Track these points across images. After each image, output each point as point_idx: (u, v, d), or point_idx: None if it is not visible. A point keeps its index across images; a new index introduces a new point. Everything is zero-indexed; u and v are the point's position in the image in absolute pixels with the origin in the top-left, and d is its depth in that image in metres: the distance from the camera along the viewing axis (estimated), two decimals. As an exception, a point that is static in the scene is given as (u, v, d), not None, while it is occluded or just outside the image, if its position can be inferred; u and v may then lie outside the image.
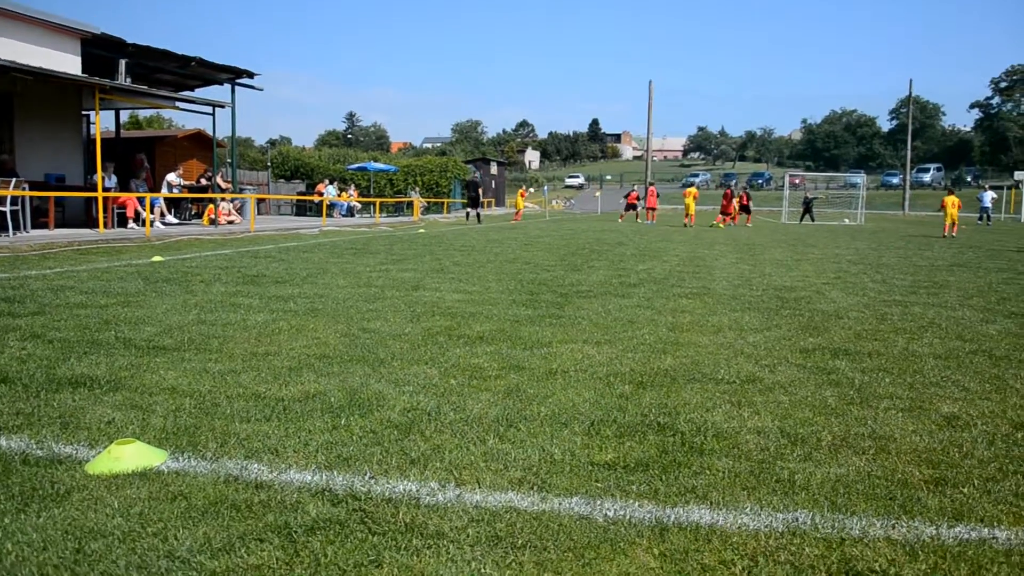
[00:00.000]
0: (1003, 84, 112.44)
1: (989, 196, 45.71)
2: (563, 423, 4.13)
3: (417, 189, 44.33)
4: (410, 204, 40.39)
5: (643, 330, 6.97)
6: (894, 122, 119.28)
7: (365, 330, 6.72)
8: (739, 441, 3.90)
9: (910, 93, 72.49)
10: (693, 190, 37.37)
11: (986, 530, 2.96)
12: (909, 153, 71.10)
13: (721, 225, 35.04)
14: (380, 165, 44.77)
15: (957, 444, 3.94)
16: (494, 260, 13.92)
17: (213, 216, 24.07)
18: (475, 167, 57.16)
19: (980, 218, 45.31)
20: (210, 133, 25.03)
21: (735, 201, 36.51)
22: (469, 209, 34.99)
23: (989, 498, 3.25)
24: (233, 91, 25.42)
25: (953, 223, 28.96)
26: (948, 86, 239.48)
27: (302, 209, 37.59)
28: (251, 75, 25.35)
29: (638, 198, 40.15)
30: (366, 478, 3.33)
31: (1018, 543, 2.86)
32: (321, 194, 35.18)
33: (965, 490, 3.33)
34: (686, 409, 4.44)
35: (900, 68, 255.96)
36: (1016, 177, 60.88)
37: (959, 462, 3.68)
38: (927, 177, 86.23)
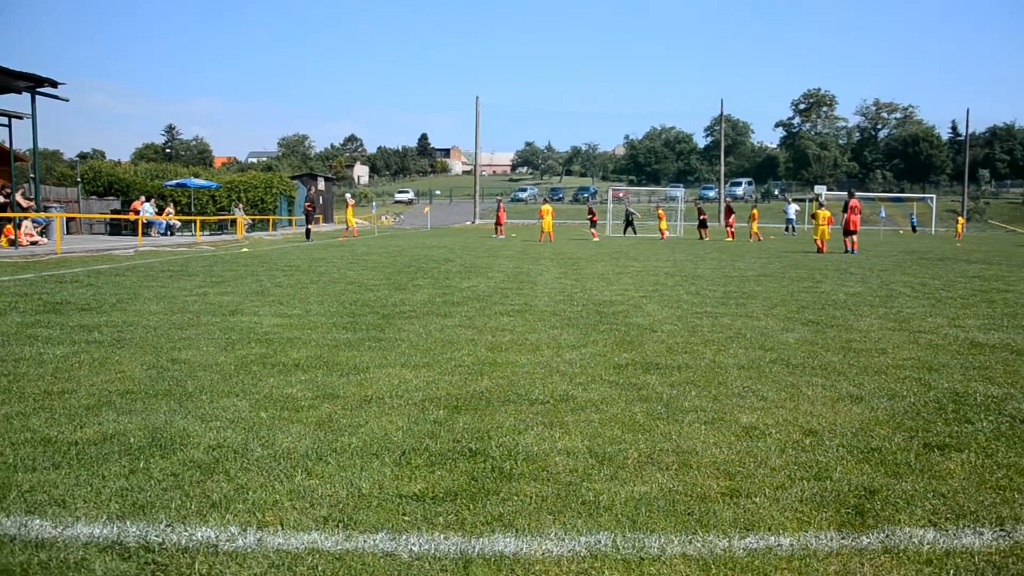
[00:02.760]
0: (802, 106, 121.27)
1: (793, 208, 49.29)
2: (374, 454, 4.07)
3: (241, 206, 42.81)
4: (233, 222, 39.04)
5: (462, 351, 7.00)
6: (709, 139, 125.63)
7: (175, 361, 6.40)
8: (548, 464, 3.97)
9: (721, 112, 76.94)
10: (550, 207, 36.12)
11: (772, 538, 3.14)
12: (723, 168, 75.51)
13: (729, 239, 37.85)
14: (201, 181, 42.85)
15: (752, 454, 4.16)
16: (318, 280, 13.63)
17: (13, 237, 22.41)
18: (302, 183, 55.88)
19: (786, 229, 48.62)
20: (8, 146, 23.13)
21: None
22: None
23: (777, 506, 3.46)
24: (34, 100, 23.59)
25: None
26: (756, 105, 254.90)
27: (117, 228, 35.56)
28: (54, 84, 23.56)
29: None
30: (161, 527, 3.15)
31: (799, 548, 3.05)
32: (137, 212, 33.46)
33: (757, 500, 3.52)
34: (499, 433, 4.48)
35: (713, 88, 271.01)
36: (816, 190, 65.78)
37: (753, 472, 3.89)
38: (739, 190, 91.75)
